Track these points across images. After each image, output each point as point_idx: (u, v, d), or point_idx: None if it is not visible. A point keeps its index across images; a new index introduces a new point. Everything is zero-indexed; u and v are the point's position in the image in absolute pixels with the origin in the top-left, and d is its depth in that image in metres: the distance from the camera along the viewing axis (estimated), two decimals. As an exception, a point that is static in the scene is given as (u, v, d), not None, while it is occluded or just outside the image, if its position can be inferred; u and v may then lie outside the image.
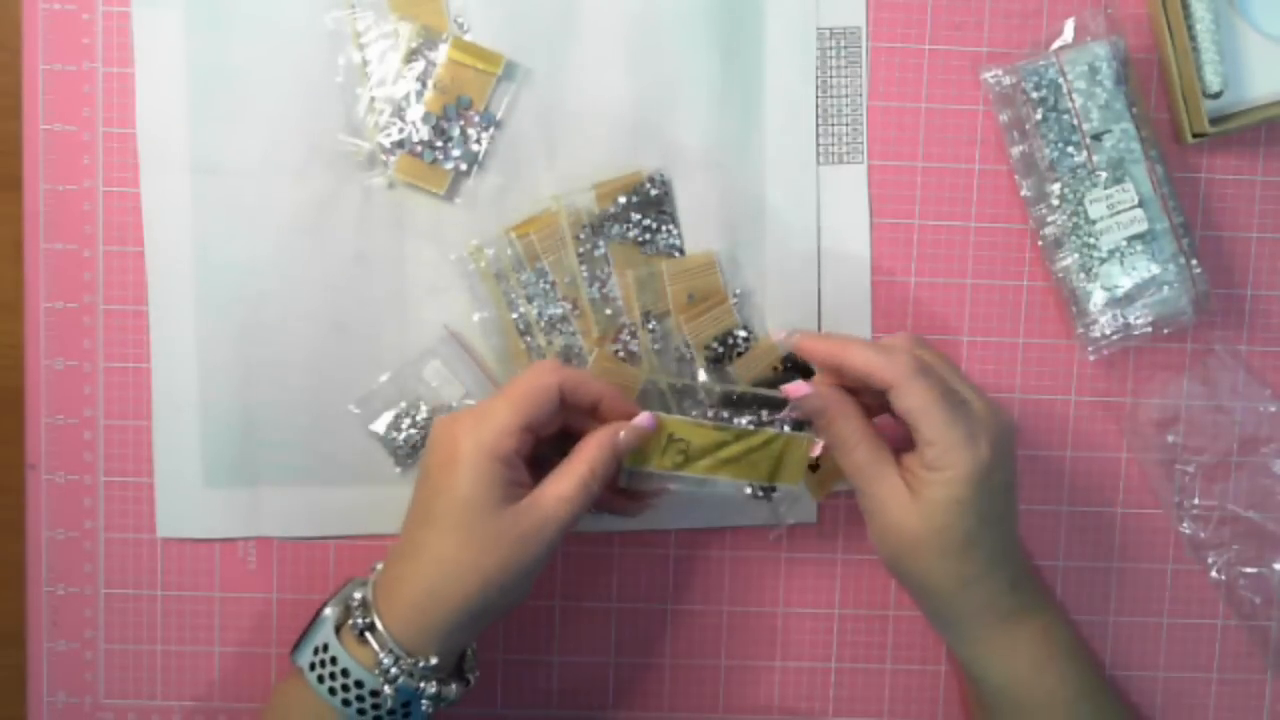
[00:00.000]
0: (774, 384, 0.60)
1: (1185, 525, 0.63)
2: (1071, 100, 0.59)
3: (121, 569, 0.62)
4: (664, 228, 0.61)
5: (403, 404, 0.61)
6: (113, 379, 0.61)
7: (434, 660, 0.51)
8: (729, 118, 0.61)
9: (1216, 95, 0.59)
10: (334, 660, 0.51)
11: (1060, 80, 0.59)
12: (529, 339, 0.60)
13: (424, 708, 0.52)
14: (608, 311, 0.61)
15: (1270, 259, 0.63)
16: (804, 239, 0.62)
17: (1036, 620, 0.55)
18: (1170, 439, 0.62)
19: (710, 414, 0.59)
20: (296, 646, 0.53)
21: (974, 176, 0.62)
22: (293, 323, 0.60)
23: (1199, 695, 0.64)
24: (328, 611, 0.53)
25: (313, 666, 0.52)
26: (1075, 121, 0.59)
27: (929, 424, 0.51)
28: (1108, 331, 0.60)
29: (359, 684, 0.51)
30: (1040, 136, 0.60)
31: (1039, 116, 0.59)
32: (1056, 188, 0.60)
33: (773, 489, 0.60)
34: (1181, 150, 0.62)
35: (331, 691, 0.51)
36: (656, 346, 0.61)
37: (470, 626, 0.52)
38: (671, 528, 0.62)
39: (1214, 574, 0.63)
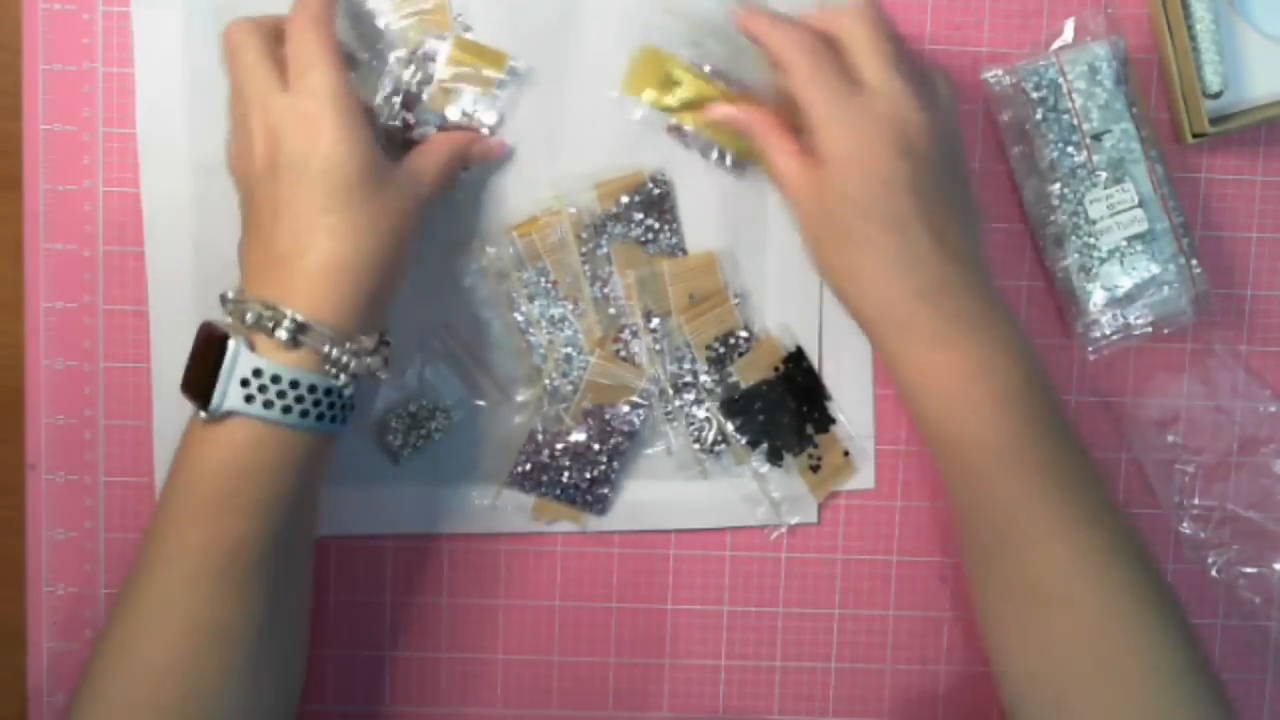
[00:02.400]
0: (775, 384, 0.60)
1: (1185, 525, 0.63)
2: (1071, 100, 0.59)
3: (121, 569, 0.62)
4: (666, 227, 0.61)
5: (403, 405, 0.60)
6: (113, 379, 0.61)
7: (370, 339, 0.51)
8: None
9: (1216, 95, 0.59)
10: (275, 379, 0.48)
11: (1060, 80, 0.59)
12: (530, 337, 0.60)
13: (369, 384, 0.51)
14: (610, 311, 0.61)
15: (1270, 259, 0.63)
16: (804, 239, 0.62)
17: (960, 349, 0.50)
18: (1170, 439, 0.62)
19: (706, 412, 0.60)
20: (202, 401, 0.48)
21: (973, 176, 0.62)
22: (293, 322, 0.60)
23: (1199, 695, 0.64)
24: (232, 343, 0.48)
25: (250, 399, 0.48)
26: (1075, 121, 0.59)
27: (805, 102, 0.51)
28: (1108, 331, 0.60)
29: (313, 389, 0.49)
30: (1040, 136, 0.60)
31: (1039, 117, 0.59)
32: (1056, 188, 0.60)
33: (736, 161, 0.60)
34: (1181, 150, 0.62)
35: (288, 411, 0.48)
36: (658, 347, 0.61)
37: (381, 296, 0.51)
38: (671, 528, 0.62)
39: (1214, 574, 0.63)
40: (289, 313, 0.48)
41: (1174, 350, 0.63)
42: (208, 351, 0.49)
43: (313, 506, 0.53)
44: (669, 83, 0.59)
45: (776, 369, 0.61)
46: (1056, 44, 0.60)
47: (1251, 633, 0.63)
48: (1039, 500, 0.51)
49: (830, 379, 0.62)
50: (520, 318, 0.60)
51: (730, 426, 0.61)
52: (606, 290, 0.61)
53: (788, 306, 0.62)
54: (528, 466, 0.61)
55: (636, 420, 0.61)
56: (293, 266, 0.49)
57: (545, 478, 0.61)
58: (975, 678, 0.63)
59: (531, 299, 0.60)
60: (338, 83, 0.51)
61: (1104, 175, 0.59)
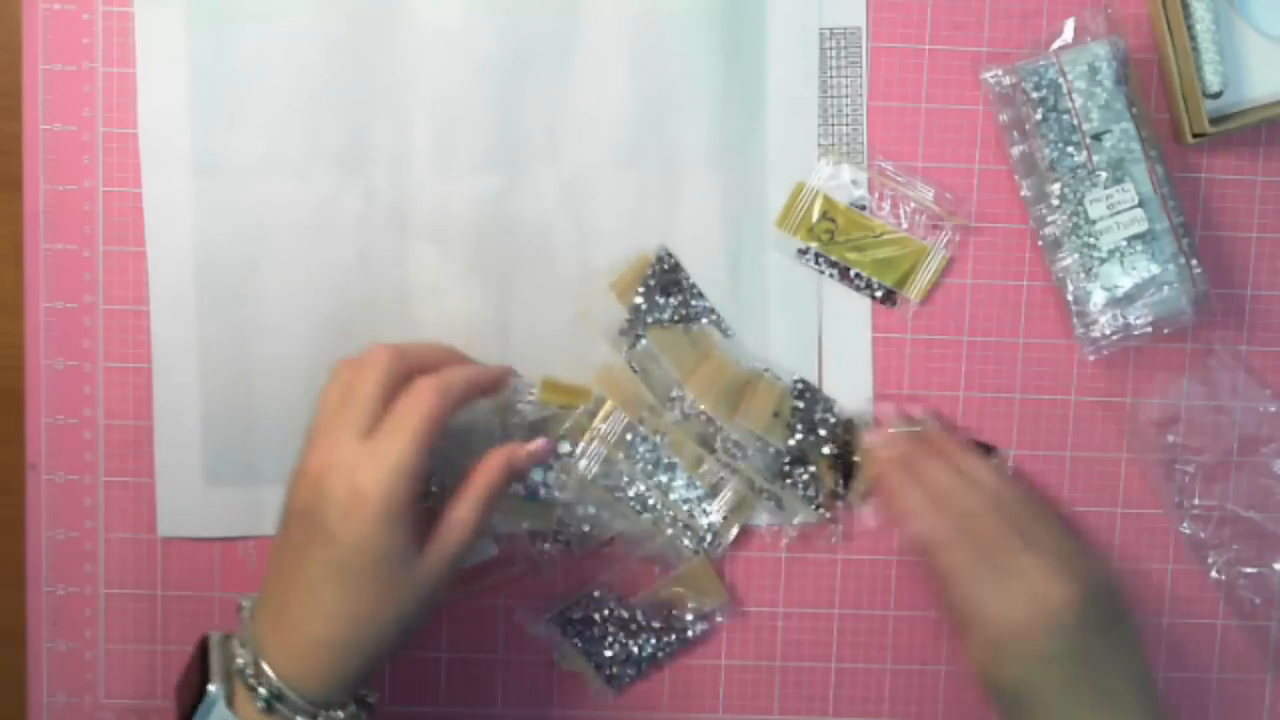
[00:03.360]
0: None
1: (1185, 525, 0.63)
2: (1071, 100, 0.59)
3: (121, 569, 0.62)
4: (691, 299, 0.61)
5: None
6: (113, 379, 0.61)
7: (344, 712, 0.50)
8: (731, 118, 0.61)
9: (1216, 95, 0.59)
10: None
11: (1060, 80, 0.59)
12: (650, 510, 0.61)
13: None
14: (695, 432, 0.61)
15: (1270, 259, 0.63)
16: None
17: None
18: (1170, 439, 0.62)
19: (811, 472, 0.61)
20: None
21: (974, 176, 0.62)
22: (294, 323, 0.60)
23: (1199, 695, 0.64)
24: (213, 688, 0.49)
25: None
26: (1075, 121, 0.59)
27: (953, 592, 0.54)
28: (1108, 331, 0.60)
29: None
30: (1040, 136, 0.60)
31: (1039, 117, 0.59)
32: (1056, 188, 0.60)
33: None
34: (1181, 150, 0.62)
35: None
36: (750, 451, 0.61)
37: (378, 666, 0.51)
38: (672, 528, 0.62)
39: (1214, 574, 0.63)
40: (269, 677, 0.48)
41: (1174, 350, 0.63)
42: (196, 677, 0.50)
43: None
44: (821, 217, 0.60)
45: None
46: (1056, 44, 0.60)
47: (1251, 633, 0.63)
48: None
49: (831, 389, 0.62)
50: (634, 502, 0.61)
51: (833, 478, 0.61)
52: (685, 408, 0.61)
53: (788, 307, 0.62)
54: (576, 615, 0.61)
55: (699, 629, 0.62)
56: (296, 625, 0.49)
57: (587, 632, 0.61)
58: (975, 678, 0.63)
59: (631, 481, 0.61)
60: (408, 464, 0.49)
61: (1104, 175, 0.59)
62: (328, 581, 0.49)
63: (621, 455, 0.61)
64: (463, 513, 0.51)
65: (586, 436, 0.60)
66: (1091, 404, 0.63)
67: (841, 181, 0.61)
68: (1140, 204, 0.59)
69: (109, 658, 0.62)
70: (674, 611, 0.62)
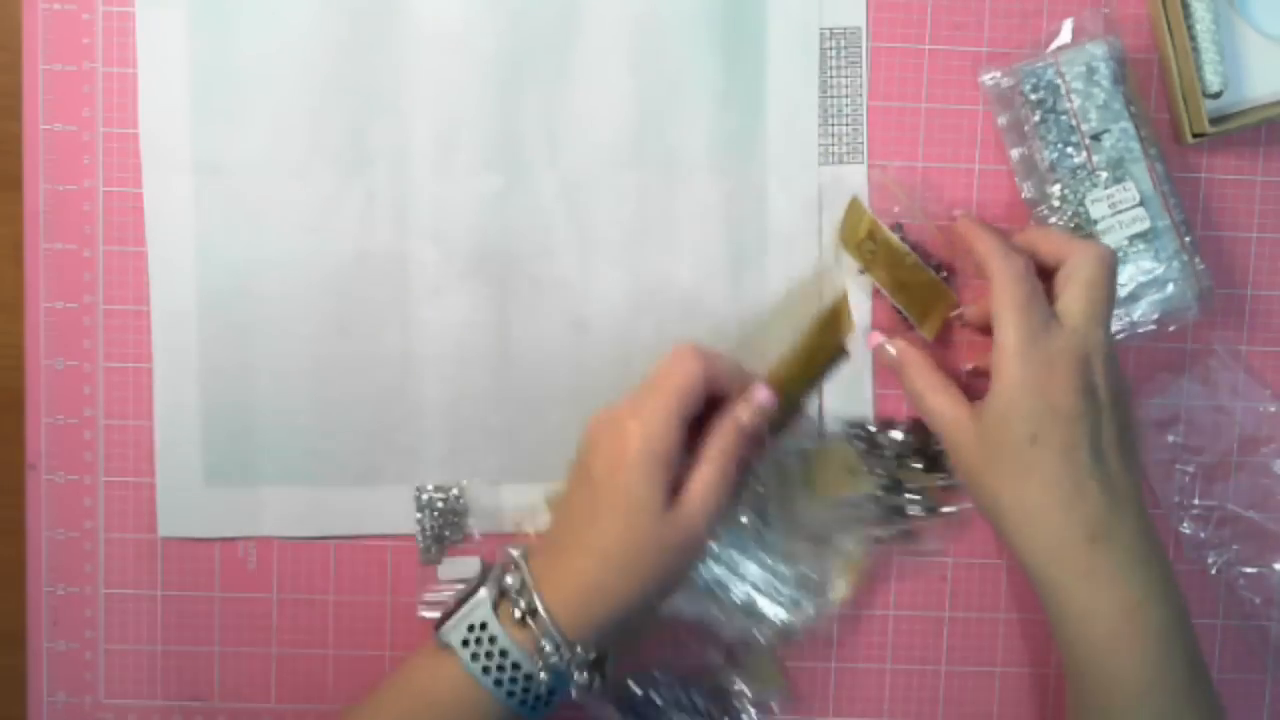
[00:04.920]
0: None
1: (1185, 525, 0.63)
2: (1070, 101, 0.59)
3: (121, 569, 0.62)
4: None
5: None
6: (113, 379, 0.61)
7: (591, 653, 0.52)
8: (731, 118, 0.61)
9: (1216, 95, 0.59)
10: (492, 640, 0.51)
11: (1058, 81, 0.59)
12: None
13: (571, 696, 0.53)
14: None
15: (1270, 259, 0.63)
16: (805, 239, 0.62)
17: (1119, 592, 0.52)
18: (1171, 439, 0.62)
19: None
20: (443, 623, 0.53)
21: (974, 176, 0.62)
22: (294, 322, 0.60)
23: (1199, 695, 0.64)
24: (483, 592, 0.52)
25: (466, 644, 0.52)
26: (1074, 122, 0.59)
27: (999, 323, 0.53)
28: (1112, 330, 0.60)
29: (515, 666, 0.51)
30: (1039, 138, 0.60)
31: (1037, 118, 0.59)
32: (1057, 189, 0.60)
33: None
34: (1181, 150, 0.62)
35: (485, 670, 0.51)
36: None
37: (624, 624, 0.53)
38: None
39: (1214, 573, 0.63)
40: (530, 598, 0.52)
41: (1174, 350, 0.63)
42: (474, 586, 0.53)
43: None
44: (866, 238, 0.60)
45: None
46: (1054, 45, 0.60)
47: (1251, 633, 0.63)
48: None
49: (831, 391, 0.62)
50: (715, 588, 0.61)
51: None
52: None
53: (788, 307, 0.62)
54: (636, 694, 0.61)
55: (755, 717, 0.62)
56: (563, 561, 0.53)
57: (648, 712, 0.61)
58: (975, 678, 0.63)
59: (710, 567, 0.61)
60: (662, 416, 0.52)
61: (1104, 175, 0.59)
62: (586, 518, 0.52)
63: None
64: (708, 485, 0.53)
65: None
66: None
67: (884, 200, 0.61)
68: (1141, 203, 0.59)
69: (109, 658, 0.62)
70: (734, 701, 0.62)
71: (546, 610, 0.51)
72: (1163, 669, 0.52)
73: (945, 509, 0.62)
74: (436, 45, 0.60)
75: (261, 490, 0.61)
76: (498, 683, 0.51)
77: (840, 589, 0.62)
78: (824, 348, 0.59)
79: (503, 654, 0.51)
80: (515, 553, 0.54)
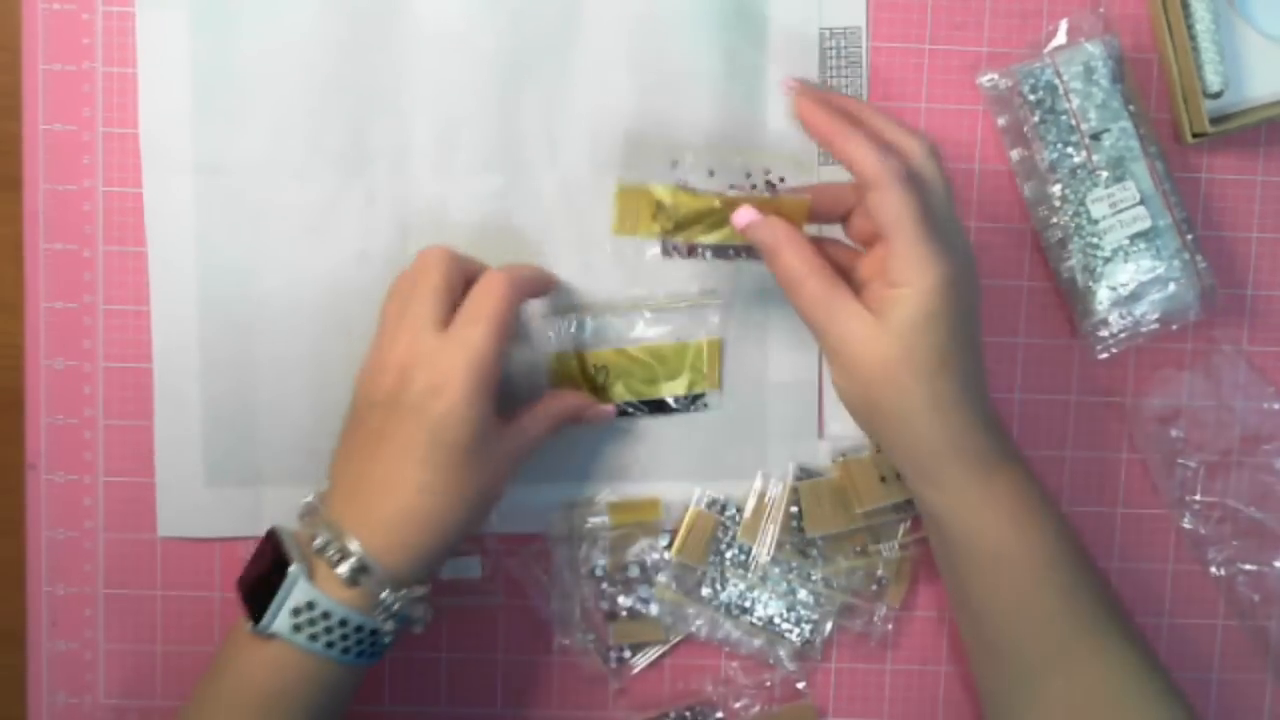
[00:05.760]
0: None
1: (1186, 520, 0.63)
2: (1069, 101, 0.59)
3: (121, 569, 0.62)
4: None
5: None
6: (113, 379, 0.61)
7: (428, 586, 0.52)
8: (731, 118, 0.61)
9: (1217, 95, 0.59)
10: (326, 615, 0.50)
11: (1056, 81, 0.59)
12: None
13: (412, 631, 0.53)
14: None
15: (1271, 258, 0.63)
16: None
17: (1013, 470, 0.52)
18: (1173, 434, 0.62)
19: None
20: (257, 615, 0.50)
21: (974, 177, 0.62)
22: (294, 322, 0.60)
23: (1199, 695, 0.64)
24: (294, 567, 0.50)
25: (298, 629, 0.50)
26: (1073, 122, 0.59)
27: (903, 234, 0.48)
28: (1115, 330, 0.60)
29: (359, 629, 0.50)
30: (1039, 139, 0.60)
31: (1036, 119, 0.59)
32: (1057, 189, 0.60)
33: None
34: (1181, 150, 0.62)
35: (330, 645, 0.50)
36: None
37: (453, 547, 0.53)
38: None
39: (1214, 570, 0.63)
40: (356, 551, 0.50)
41: (1174, 350, 0.63)
42: (267, 566, 0.51)
43: (341, 715, 0.54)
44: (657, 211, 0.55)
45: None
46: (1051, 45, 0.60)
47: (1251, 632, 0.63)
48: (1088, 611, 0.53)
49: (831, 390, 0.62)
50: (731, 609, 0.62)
51: None
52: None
53: (788, 307, 0.62)
54: None
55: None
56: (377, 502, 0.51)
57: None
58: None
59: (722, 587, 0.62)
60: (490, 348, 0.52)
61: (1104, 174, 0.59)
62: (411, 458, 0.51)
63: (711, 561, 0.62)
64: (533, 420, 0.56)
65: (675, 550, 0.61)
66: (1092, 404, 0.63)
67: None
68: (1142, 201, 0.59)
69: (109, 658, 0.62)
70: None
71: (377, 562, 0.50)
72: (1067, 549, 0.53)
73: None
74: (436, 45, 0.60)
75: (261, 490, 0.61)
76: (345, 651, 0.50)
77: (892, 595, 0.62)
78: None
79: (343, 624, 0.50)
80: (310, 502, 0.53)
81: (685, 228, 0.55)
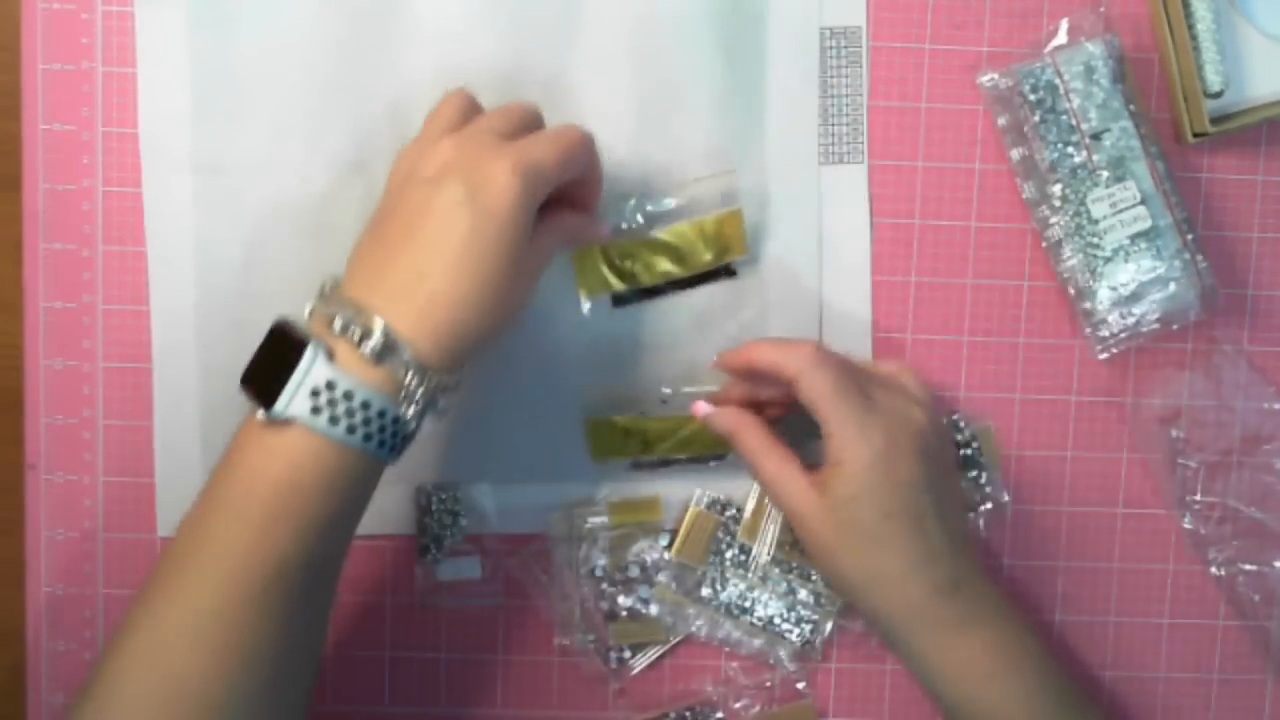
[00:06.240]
0: None
1: (1187, 520, 0.63)
2: (1069, 100, 0.59)
3: (121, 569, 0.61)
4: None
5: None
6: (113, 379, 0.61)
7: (454, 376, 0.50)
8: (731, 118, 0.61)
9: (1217, 95, 0.59)
10: (348, 395, 0.46)
11: (1056, 81, 0.59)
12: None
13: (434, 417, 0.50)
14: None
15: (1272, 258, 0.63)
16: (805, 239, 0.62)
17: (985, 632, 0.53)
18: (1174, 434, 0.62)
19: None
20: (269, 397, 0.46)
21: (974, 176, 0.62)
22: (294, 322, 0.60)
23: (1199, 696, 0.64)
24: (313, 344, 0.46)
25: (317, 410, 0.46)
26: (1074, 122, 0.59)
27: (826, 414, 0.53)
28: (1115, 330, 0.60)
29: (382, 414, 0.47)
30: (1039, 138, 0.59)
31: (1037, 119, 0.59)
32: (1058, 189, 0.59)
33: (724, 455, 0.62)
34: (1182, 150, 0.62)
35: (351, 430, 0.46)
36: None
37: (482, 345, 0.50)
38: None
39: (1214, 570, 0.63)
40: (382, 326, 0.47)
41: (1175, 350, 0.63)
42: (280, 352, 0.47)
43: (353, 529, 0.51)
44: (625, 436, 0.61)
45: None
46: (1051, 45, 0.60)
47: (1251, 632, 0.63)
48: None
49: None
50: (731, 609, 0.62)
51: None
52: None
53: (788, 307, 0.62)
54: None
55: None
56: (406, 282, 0.48)
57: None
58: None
59: (723, 586, 0.62)
60: (551, 167, 0.50)
61: (1105, 174, 0.59)
62: (450, 242, 0.48)
63: (710, 560, 0.62)
64: (553, 231, 0.53)
65: (675, 550, 0.61)
66: (1092, 404, 0.63)
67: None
68: (1143, 201, 0.59)
69: (109, 658, 0.62)
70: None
71: (405, 342, 0.47)
72: (1044, 690, 0.54)
73: (983, 507, 0.61)
74: (437, 45, 0.60)
75: (261, 490, 0.61)
76: (367, 437, 0.47)
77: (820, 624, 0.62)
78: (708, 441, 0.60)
79: (365, 406, 0.46)
80: (324, 287, 0.50)
81: (654, 445, 0.60)
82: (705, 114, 0.61)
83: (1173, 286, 0.59)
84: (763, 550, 0.61)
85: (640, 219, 0.60)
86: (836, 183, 0.62)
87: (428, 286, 0.48)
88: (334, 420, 0.46)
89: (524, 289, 0.52)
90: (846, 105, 0.61)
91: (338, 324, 0.47)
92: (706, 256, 0.60)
